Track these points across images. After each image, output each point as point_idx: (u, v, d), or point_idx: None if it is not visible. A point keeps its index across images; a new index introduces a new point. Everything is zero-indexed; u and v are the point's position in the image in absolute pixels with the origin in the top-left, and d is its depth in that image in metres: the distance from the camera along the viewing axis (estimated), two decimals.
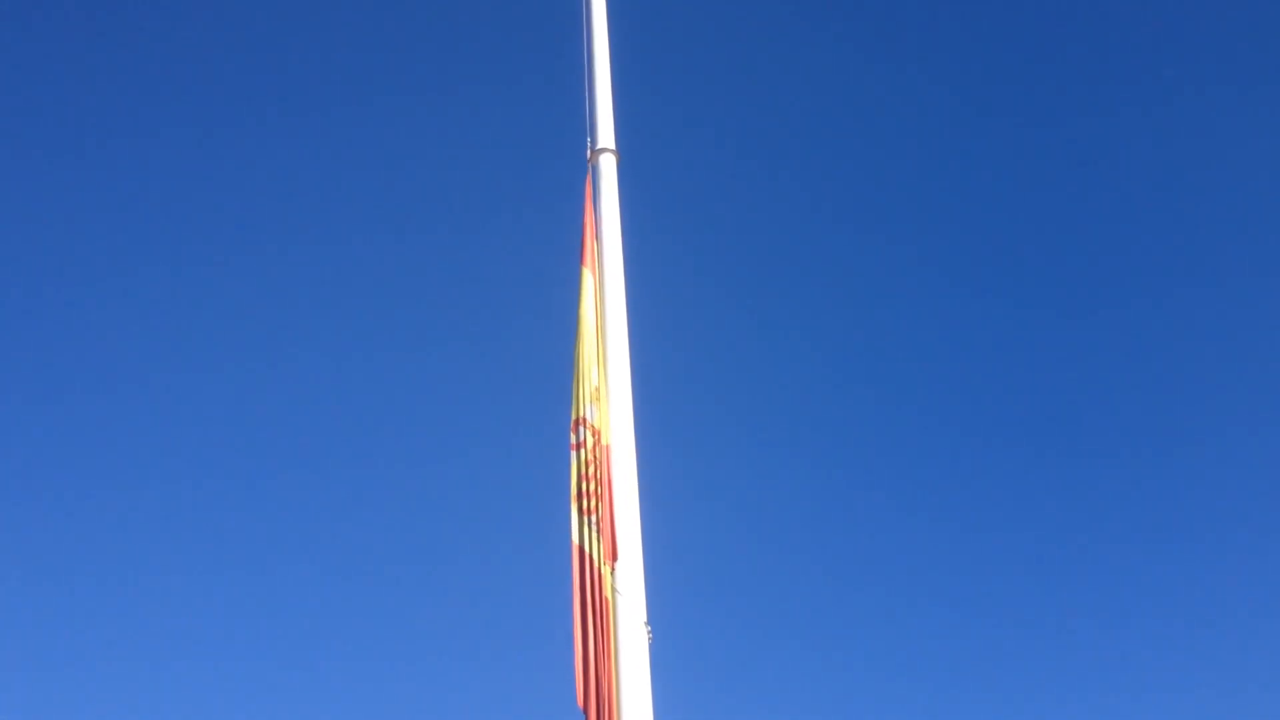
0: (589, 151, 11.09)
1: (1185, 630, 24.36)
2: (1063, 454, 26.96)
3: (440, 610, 25.05)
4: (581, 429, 9.35)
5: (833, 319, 28.38)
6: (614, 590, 8.96)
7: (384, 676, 24.14)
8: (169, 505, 26.13)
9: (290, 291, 28.25)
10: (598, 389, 9.51)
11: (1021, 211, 28.65)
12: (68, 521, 25.64)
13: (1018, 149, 28.92)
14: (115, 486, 26.06)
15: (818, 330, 28.33)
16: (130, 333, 27.61)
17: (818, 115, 29.33)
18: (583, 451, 9.26)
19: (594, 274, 10.10)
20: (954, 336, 28.21)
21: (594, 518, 9.01)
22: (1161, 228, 27.91)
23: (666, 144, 25.70)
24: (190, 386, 27.26)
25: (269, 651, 24.85)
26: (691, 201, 27.64)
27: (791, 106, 29.24)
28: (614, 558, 9.00)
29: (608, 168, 11.03)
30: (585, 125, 11.24)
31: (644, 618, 8.99)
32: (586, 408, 9.39)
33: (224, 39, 28.74)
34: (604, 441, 9.33)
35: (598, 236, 10.52)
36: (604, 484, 9.15)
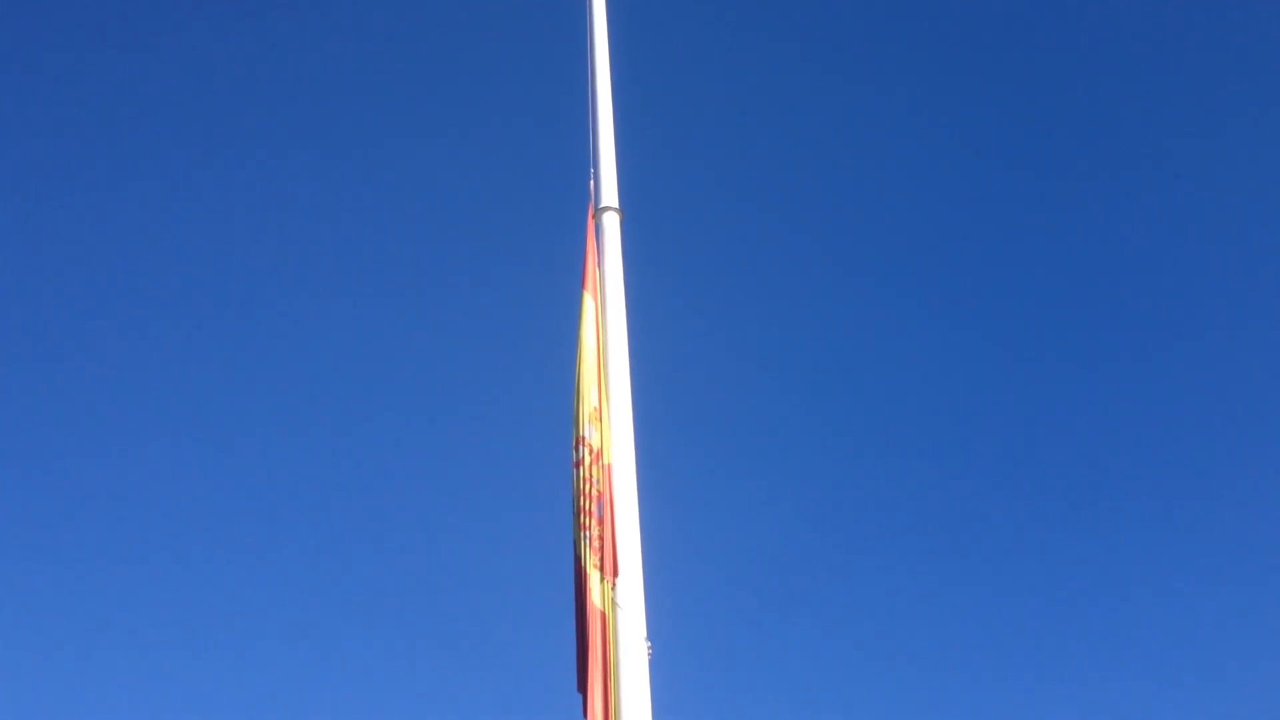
0: (592, 207, 11.24)
1: (1186, 649, 23.94)
2: (1064, 472, 26.94)
3: (447, 625, 25.02)
4: (581, 448, 9.33)
5: (829, 344, 28.71)
6: (614, 605, 8.81)
7: (392, 690, 24.02)
8: (171, 499, 26.45)
9: (306, 290, 28.99)
10: (597, 409, 9.51)
11: (1027, 253, 29.03)
12: (77, 573, 25.58)
13: (1030, 199, 29.34)
14: (124, 538, 26.16)
15: (815, 354, 28.65)
16: (133, 342, 28.11)
17: (815, 157, 30.16)
18: (581, 469, 9.23)
19: (595, 298, 10.19)
20: (947, 362, 28.37)
21: (590, 534, 8.95)
22: (1160, 256, 28.18)
23: (667, 184, 26.48)
24: (209, 396, 27.71)
25: (285, 657, 24.75)
26: (691, 227, 28.28)
27: (789, 149, 30.09)
28: (615, 573, 8.89)
29: (611, 226, 11.17)
30: (589, 156, 11.47)
31: (644, 633, 8.82)
32: (585, 427, 9.38)
33: (228, 112, 29.86)
34: (605, 460, 9.30)
35: (601, 286, 10.60)
36: (604, 501, 9.09)
